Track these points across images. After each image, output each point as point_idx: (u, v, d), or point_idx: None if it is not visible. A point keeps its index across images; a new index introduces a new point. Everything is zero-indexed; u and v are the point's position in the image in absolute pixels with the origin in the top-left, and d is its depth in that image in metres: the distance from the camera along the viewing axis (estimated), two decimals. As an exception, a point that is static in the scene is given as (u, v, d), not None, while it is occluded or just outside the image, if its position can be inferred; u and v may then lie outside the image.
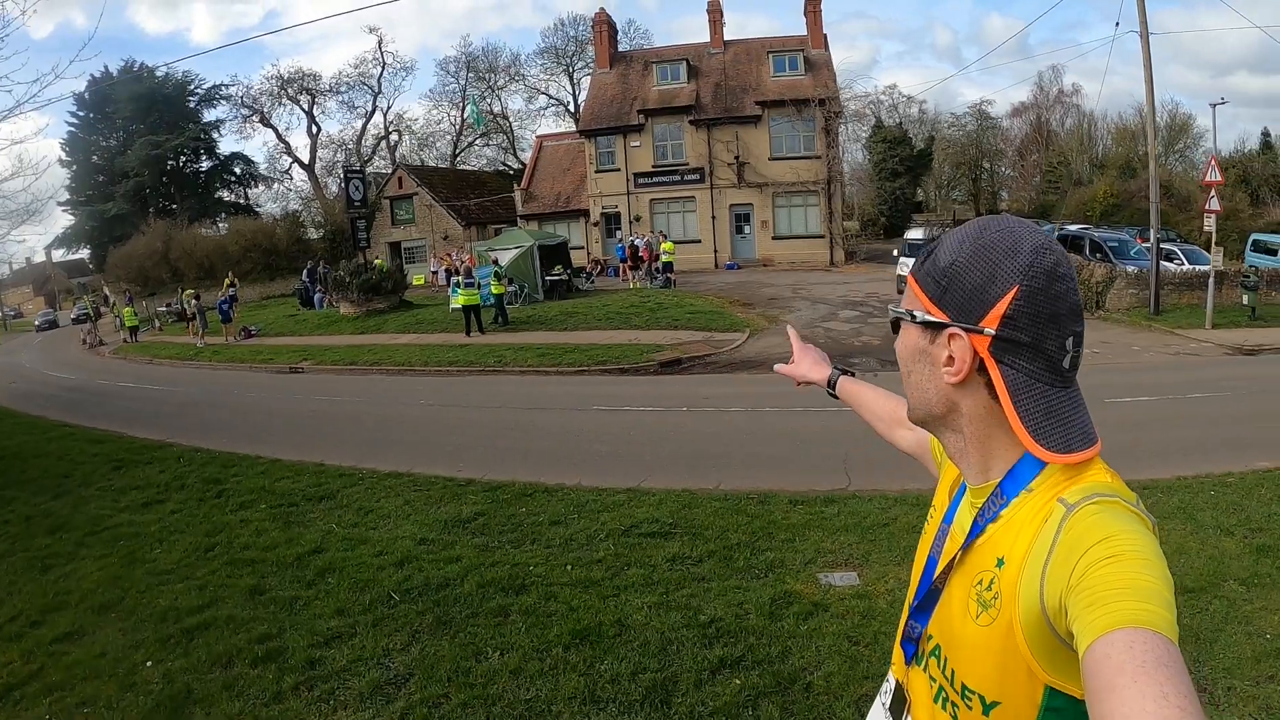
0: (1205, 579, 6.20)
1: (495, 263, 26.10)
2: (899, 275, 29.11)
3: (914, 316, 1.43)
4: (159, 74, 60.95)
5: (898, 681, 1.64)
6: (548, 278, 30.92)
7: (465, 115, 64.27)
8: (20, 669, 5.69)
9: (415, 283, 40.63)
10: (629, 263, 35.45)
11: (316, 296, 37.33)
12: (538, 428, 13.48)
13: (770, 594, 6.08)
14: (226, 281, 36.97)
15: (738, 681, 4.87)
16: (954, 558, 1.46)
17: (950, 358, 1.39)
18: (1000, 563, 1.34)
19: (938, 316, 1.39)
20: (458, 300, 25.61)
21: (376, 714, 4.76)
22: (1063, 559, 1.20)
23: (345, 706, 4.86)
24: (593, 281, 35.27)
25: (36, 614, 6.62)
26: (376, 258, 38.84)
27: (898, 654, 1.65)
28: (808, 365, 2.41)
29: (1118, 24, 41.38)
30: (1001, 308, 1.33)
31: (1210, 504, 8.04)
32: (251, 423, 15.39)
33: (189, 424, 15.45)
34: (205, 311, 31.59)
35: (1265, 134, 62.04)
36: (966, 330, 1.36)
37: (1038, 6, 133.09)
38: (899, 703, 1.62)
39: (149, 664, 5.57)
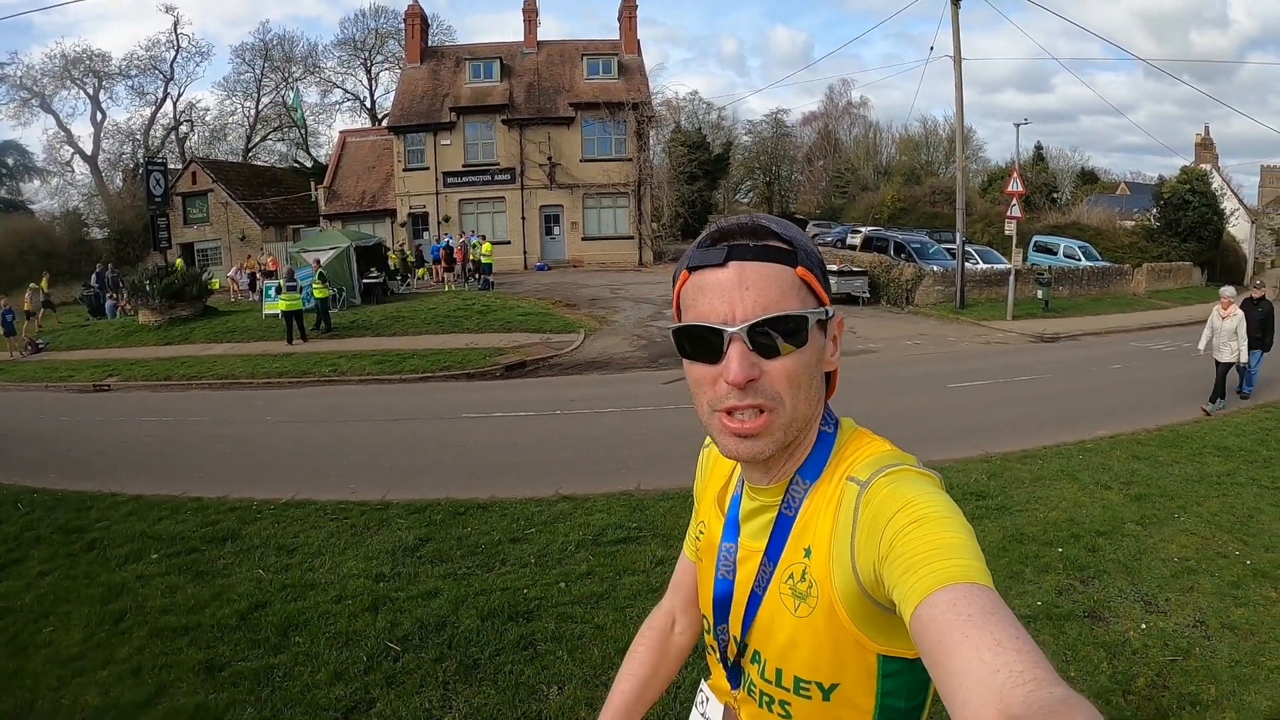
0: (1108, 524, 7.66)
1: (317, 264, 24.95)
2: None
3: (829, 314, 1.36)
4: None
5: (726, 705, 1.61)
6: (364, 280, 29.88)
7: (288, 104, 61.45)
8: None
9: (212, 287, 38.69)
10: (443, 264, 34.77)
11: (108, 304, 34.78)
12: (417, 440, 13.00)
13: None
14: (34, 285, 33.81)
15: None
16: (763, 569, 1.43)
17: (835, 339, 1.42)
18: (808, 552, 1.35)
19: (828, 304, 1.37)
20: (278, 305, 24.33)
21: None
22: (868, 533, 1.23)
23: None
24: (409, 284, 34.44)
25: None
26: (177, 259, 36.72)
27: (716, 676, 1.63)
28: None
29: (932, 48, 43.77)
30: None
31: (1083, 466, 9.71)
32: (82, 453, 13.43)
33: (2, 460, 13.10)
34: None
35: (1039, 147, 66.63)
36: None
37: (820, 20, 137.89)
38: None
39: None
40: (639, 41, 44.00)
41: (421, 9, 44.94)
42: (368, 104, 71.02)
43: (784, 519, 1.41)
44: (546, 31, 45.73)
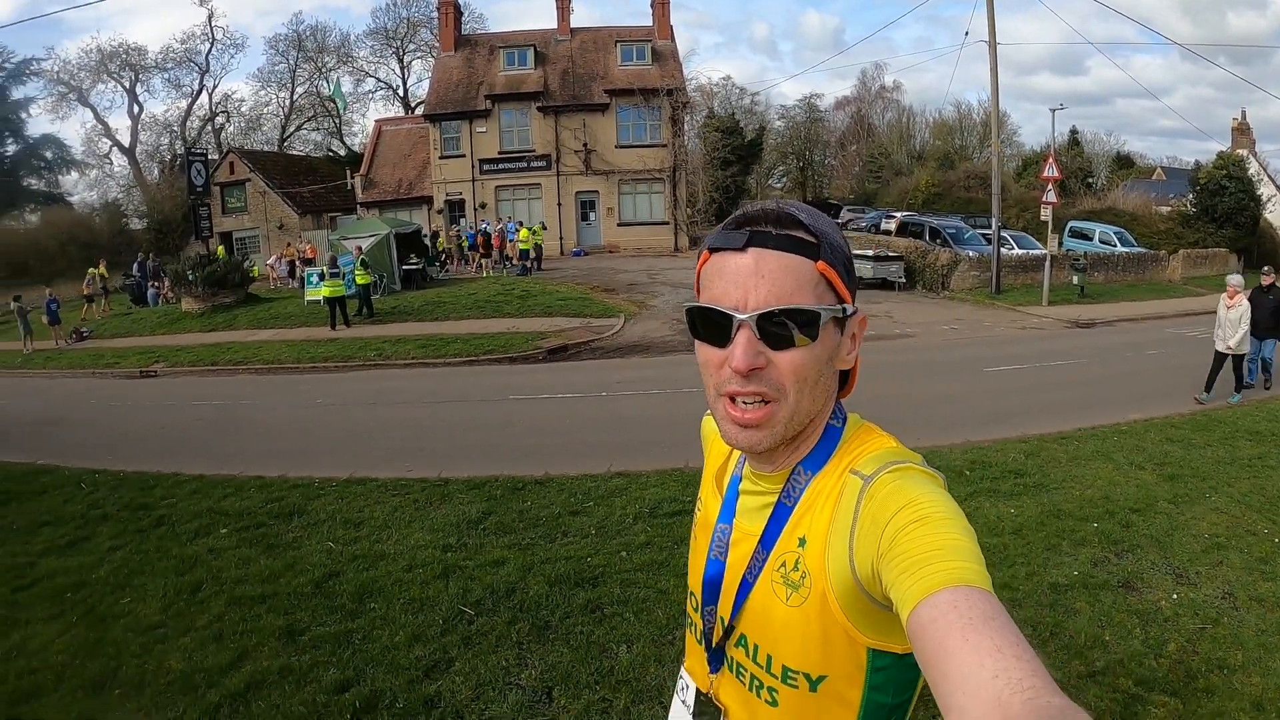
0: (1142, 502, 7.88)
1: (359, 250, 25.28)
2: None
3: (845, 311, 1.35)
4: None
5: (699, 689, 1.60)
6: (404, 267, 30.21)
7: (328, 93, 61.82)
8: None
9: (252, 275, 39.17)
10: (480, 250, 35.06)
11: (150, 292, 35.29)
12: (466, 421, 13.25)
13: None
14: (93, 270, 34.72)
15: None
16: (756, 556, 1.44)
17: (854, 337, 1.43)
18: (802, 542, 1.36)
19: (850, 302, 1.37)
20: (321, 292, 24.77)
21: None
22: (868, 528, 1.23)
23: (504, 737, 4.49)
24: (447, 270, 34.84)
25: (3, 709, 5.19)
26: (219, 247, 37.20)
27: (695, 659, 1.63)
28: None
29: (967, 33, 43.29)
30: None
31: (1117, 447, 9.88)
32: (136, 436, 13.78)
33: (59, 443, 13.44)
34: (27, 314, 29.17)
35: (1074, 131, 65.66)
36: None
37: (851, 3, 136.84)
38: (709, 713, 1.57)
39: None
40: (672, 27, 43.97)
41: (455, -3, 45.08)
42: (401, 92, 71.26)
43: (782, 507, 1.42)
44: (578, 18, 45.73)
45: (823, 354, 1.32)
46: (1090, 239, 34.35)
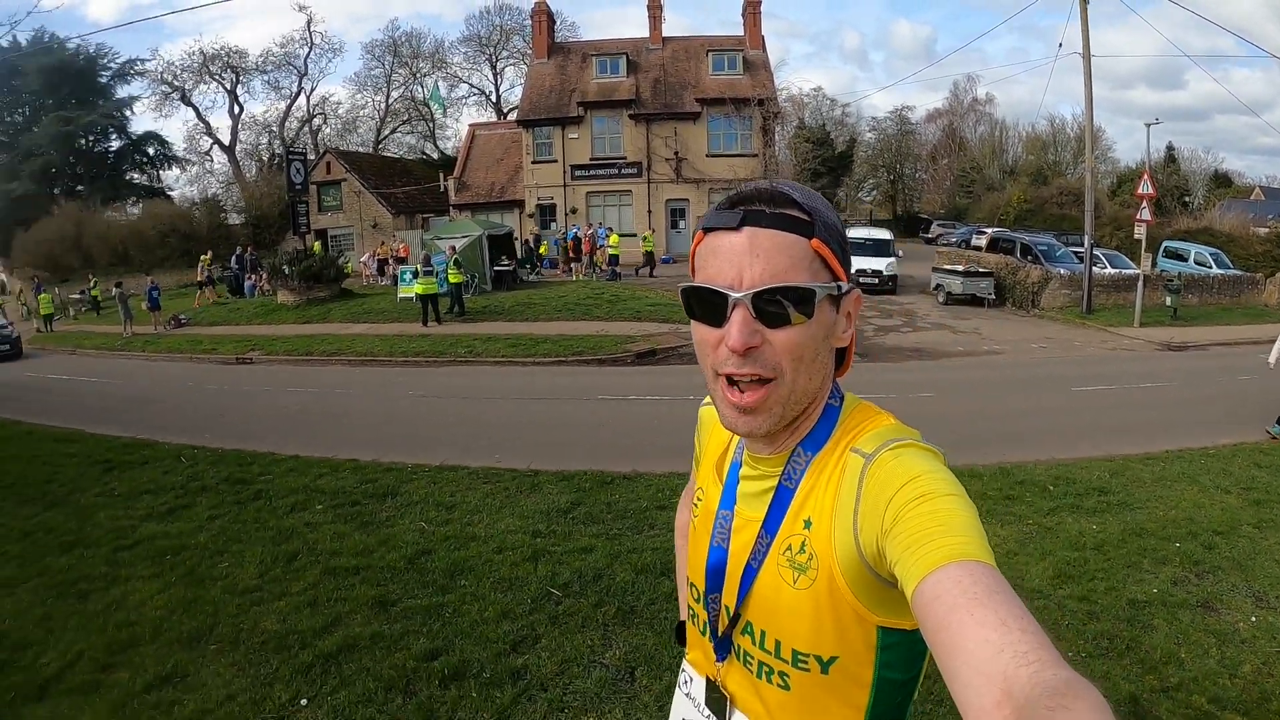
0: (1225, 525, 7.68)
1: (452, 250, 25.68)
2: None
3: (840, 289, 1.34)
4: (70, 46, 58.45)
5: (708, 679, 1.58)
6: (496, 268, 30.63)
7: (427, 98, 63.03)
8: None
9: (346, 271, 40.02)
10: (571, 254, 35.37)
11: (247, 284, 36.36)
12: (556, 418, 13.39)
13: None
14: (204, 259, 36.45)
15: None
16: (760, 541, 1.43)
17: (849, 315, 1.41)
18: (808, 524, 1.35)
19: (845, 280, 1.36)
20: (415, 289, 25.21)
21: (628, 710, 4.57)
22: (872, 505, 1.23)
23: (587, 711, 4.59)
24: (539, 273, 35.19)
25: (102, 655, 5.44)
26: (315, 243, 38.02)
27: (700, 650, 1.62)
28: None
29: (1060, 45, 42.70)
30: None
31: (1204, 470, 9.63)
32: (234, 418, 14.36)
33: (158, 420, 14.26)
34: (128, 300, 30.19)
35: (1170, 148, 64.39)
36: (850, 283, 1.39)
37: (943, 12, 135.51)
38: (718, 700, 1.55)
39: (304, 702, 4.78)
40: (763, 37, 44.01)
41: (548, 6, 45.64)
42: (494, 98, 72.25)
43: (784, 490, 1.41)
44: (668, 28, 46.00)
45: (819, 332, 1.32)
46: (1185, 260, 33.35)
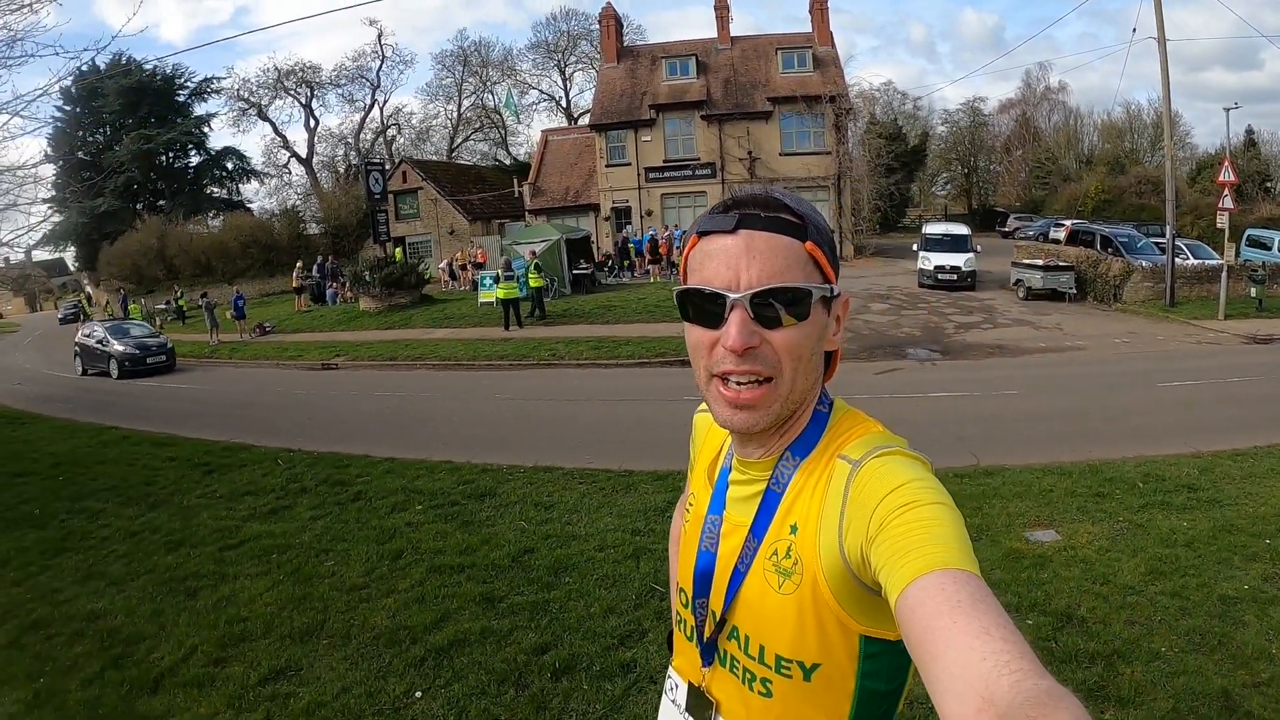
0: None
1: (532, 254, 25.94)
2: (920, 269, 29.90)
3: (833, 292, 1.37)
4: (147, 67, 59.90)
5: (691, 684, 1.58)
6: (574, 271, 30.90)
7: (503, 105, 63.69)
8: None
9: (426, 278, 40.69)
10: (648, 256, 35.54)
11: (329, 292, 37.12)
12: (644, 420, 13.47)
13: (999, 552, 6.76)
14: (300, 266, 37.71)
15: (1030, 621, 5.46)
16: (748, 546, 1.43)
17: (838, 319, 1.43)
18: (794, 529, 1.35)
19: (835, 283, 1.38)
20: (496, 293, 25.50)
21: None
22: (857, 512, 1.23)
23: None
24: (617, 275, 35.53)
25: (214, 650, 5.65)
26: (397, 249, 38.63)
27: (686, 657, 1.62)
28: None
29: (1135, 30, 41.92)
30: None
31: None
32: (324, 421, 14.76)
33: (250, 425, 14.78)
34: (214, 309, 30.94)
35: (1250, 131, 62.54)
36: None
37: (1011, 1, 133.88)
38: (702, 706, 1.54)
39: (418, 695, 4.92)
40: (831, 33, 43.66)
41: (615, 10, 45.72)
42: (564, 104, 72.83)
43: (771, 495, 1.42)
44: (734, 27, 45.88)
45: (814, 332, 1.34)
46: (1269, 248, 32.12)
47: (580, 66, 72.31)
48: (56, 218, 62.30)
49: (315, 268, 39.50)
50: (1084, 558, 6.65)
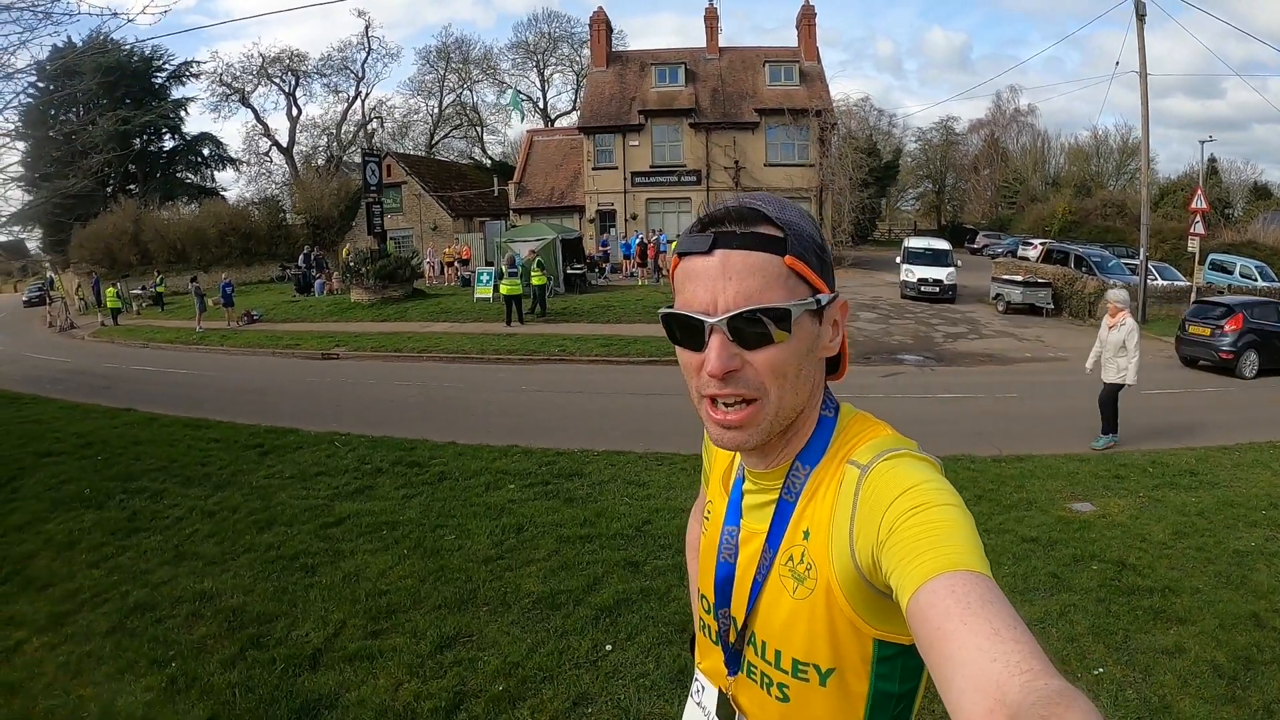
0: None
1: (532, 253, 26.22)
2: (903, 281, 31.06)
3: (820, 302, 1.33)
4: (125, 47, 59.04)
5: (720, 690, 1.58)
6: (568, 271, 31.38)
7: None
8: (430, 688, 4.86)
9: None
10: (636, 259, 36.08)
11: (317, 282, 37.29)
12: (687, 413, 13.61)
13: (1050, 518, 8.13)
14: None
15: (1095, 567, 6.83)
16: (765, 554, 1.44)
17: (835, 324, 1.41)
18: (806, 534, 1.36)
19: (825, 291, 1.35)
20: (501, 289, 25.71)
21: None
22: (867, 516, 1.23)
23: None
24: (606, 276, 36.11)
25: (366, 623, 5.76)
26: (390, 242, 38.83)
27: (710, 660, 1.62)
28: None
29: (1118, 63, 43.02)
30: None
31: (1275, 458, 11.08)
32: (353, 409, 14.55)
33: (271, 410, 14.48)
34: (203, 295, 30.85)
35: (1212, 159, 64.28)
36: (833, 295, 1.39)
37: (976, 20, 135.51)
38: (727, 714, 1.56)
39: (609, 648, 5.28)
40: (818, 49, 44.48)
41: (606, 16, 46.19)
42: (541, 105, 73.12)
43: (785, 505, 1.42)
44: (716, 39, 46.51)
45: (800, 348, 1.32)
46: (1231, 272, 33.69)
47: (559, 69, 72.88)
48: (25, 196, 61.58)
49: (300, 258, 39.64)
50: (1120, 523, 7.98)
